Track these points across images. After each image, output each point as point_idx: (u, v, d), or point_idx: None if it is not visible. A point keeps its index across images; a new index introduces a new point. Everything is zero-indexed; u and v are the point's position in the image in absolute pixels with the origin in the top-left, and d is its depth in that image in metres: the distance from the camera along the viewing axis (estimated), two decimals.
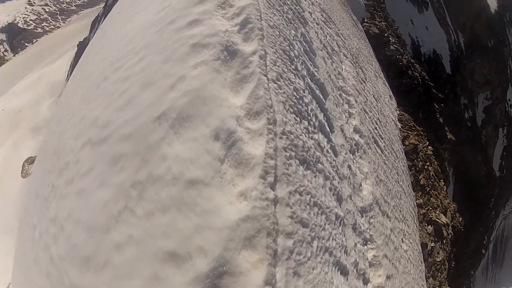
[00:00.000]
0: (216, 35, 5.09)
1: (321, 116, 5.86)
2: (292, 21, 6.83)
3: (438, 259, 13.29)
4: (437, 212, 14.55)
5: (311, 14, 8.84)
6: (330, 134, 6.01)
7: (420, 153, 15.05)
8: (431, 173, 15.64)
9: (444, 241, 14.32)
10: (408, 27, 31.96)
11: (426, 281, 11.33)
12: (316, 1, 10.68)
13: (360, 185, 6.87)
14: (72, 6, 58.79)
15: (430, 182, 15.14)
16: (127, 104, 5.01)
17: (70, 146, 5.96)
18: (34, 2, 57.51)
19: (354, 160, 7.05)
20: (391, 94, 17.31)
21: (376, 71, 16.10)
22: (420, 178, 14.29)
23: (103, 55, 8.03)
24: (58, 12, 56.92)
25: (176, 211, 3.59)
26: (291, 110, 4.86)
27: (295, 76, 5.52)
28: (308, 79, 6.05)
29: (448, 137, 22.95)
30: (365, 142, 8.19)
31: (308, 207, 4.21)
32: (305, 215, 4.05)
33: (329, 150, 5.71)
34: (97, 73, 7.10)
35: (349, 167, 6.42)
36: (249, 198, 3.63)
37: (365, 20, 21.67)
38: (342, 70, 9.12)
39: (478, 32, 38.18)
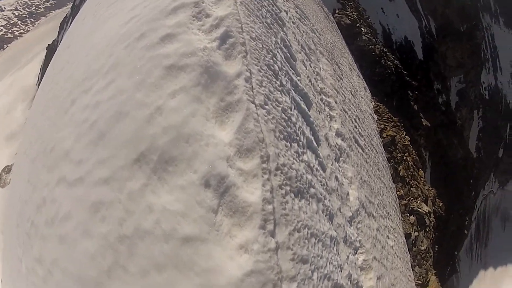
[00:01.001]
0: (194, 55, 4.59)
1: (307, 132, 5.55)
2: (272, 26, 6.36)
3: (422, 248, 13.33)
4: (418, 201, 14.58)
5: (287, 13, 8.34)
6: (317, 148, 5.70)
7: (398, 144, 15.01)
8: (410, 163, 15.64)
9: (427, 229, 14.37)
10: (379, 15, 31.94)
11: (413, 270, 11.36)
12: None
13: (347, 194, 6.69)
14: (40, 8, 57.28)
15: (409, 173, 15.14)
16: (100, 138, 4.56)
17: (45, 178, 5.47)
18: (4, 7, 55.84)
19: (340, 168, 6.82)
20: (365, 85, 17.21)
21: (350, 64, 15.95)
22: (399, 169, 14.26)
23: (68, 71, 7.41)
24: (27, 16, 55.39)
25: (173, 270, 3.33)
26: (281, 136, 4.50)
27: (281, 93, 5.12)
28: (293, 92, 5.66)
29: (424, 123, 23.10)
30: (347, 145, 8.00)
31: (306, 241, 3.99)
32: (305, 252, 3.85)
33: (318, 168, 5.42)
34: (64, 94, 6.53)
35: (336, 178, 6.18)
36: (251, 251, 3.40)
37: (337, 11, 21.51)
38: (320, 70, 8.87)
39: (450, 17, 38.58)
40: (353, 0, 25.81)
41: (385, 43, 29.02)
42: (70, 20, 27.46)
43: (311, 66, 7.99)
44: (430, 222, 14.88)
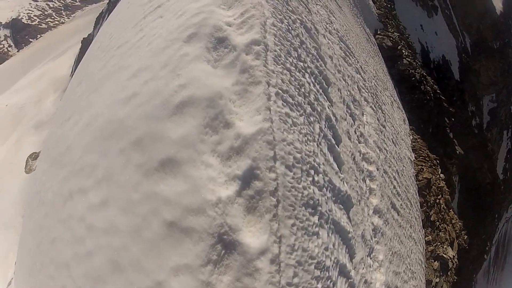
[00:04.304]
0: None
1: (345, 259, 4.53)
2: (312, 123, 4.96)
3: None
4: (445, 246, 13.55)
5: (332, 59, 7.30)
6: (351, 272, 4.63)
7: (433, 186, 13.85)
8: (442, 206, 14.46)
9: (449, 273, 13.38)
10: (417, 32, 30.46)
11: None
12: (334, 29, 9.34)
13: (374, 279, 5.78)
14: (76, 1, 57.46)
15: (440, 216, 14.02)
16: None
17: None
18: None
19: (371, 265, 5.84)
20: (405, 116, 16.02)
21: (392, 95, 14.80)
22: (431, 214, 13.17)
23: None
24: (62, 8, 55.65)
25: None
26: None
27: (313, 237, 3.86)
28: (332, 210, 4.50)
29: (457, 152, 21.68)
30: (384, 221, 6.99)
31: None
32: None
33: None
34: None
35: (365, 281, 5.24)
36: None
37: (378, 32, 20.20)
38: (364, 127, 7.84)
39: (484, 33, 36.88)
40: (394, 18, 24.48)
41: (423, 61, 27.57)
42: (107, 15, 27.03)
43: (355, 133, 6.98)
44: (453, 264, 13.86)
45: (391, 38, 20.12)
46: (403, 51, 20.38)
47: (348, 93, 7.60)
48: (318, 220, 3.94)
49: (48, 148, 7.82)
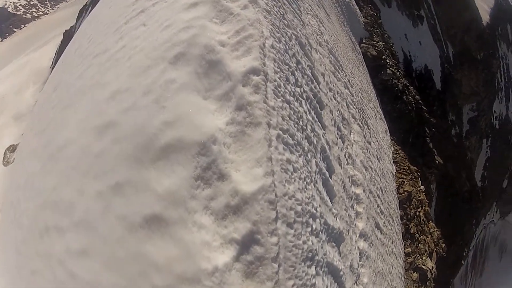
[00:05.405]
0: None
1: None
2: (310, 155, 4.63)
3: None
4: (424, 257, 13.62)
5: (323, 77, 6.90)
6: None
7: (413, 199, 13.87)
8: (422, 218, 14.52)
9: (428, 283, 13.47)
10: (401, 41, 30.59)
11: None
12: (324, 41, 9.10)
13: None
14: None
15: (420, 228, 14.07)
16: None
17: None
18: None
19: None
20: (387, 127, 16.02)
21: (375, 106, 14.75)
22: (410, 226, 13.18)
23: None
24: None
25: None
26: None
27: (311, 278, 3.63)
28: (327, 259, 4.18)
29: (437, 161, 21.83)
30: (369, 244, 6.86)
31: None
32: None
33: None
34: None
35: None
36: None
37: (363, 41, 20.14)
38: (351, 147, 7.71)
39: (468, 44, 37.27)
40: (379, 26, 24.49)
41: (406, 71, 27.70)
42: (90, 8, 26.50)
43: (345, 156, 6.78)
44: (432, 275, 13.96)
45: (376, 48, 20.09)
46: (387, 61, 20.36)
47: (338, 112, 7.40)
48: (315, 269, 3.69)
49: (23, 158, 7.49)
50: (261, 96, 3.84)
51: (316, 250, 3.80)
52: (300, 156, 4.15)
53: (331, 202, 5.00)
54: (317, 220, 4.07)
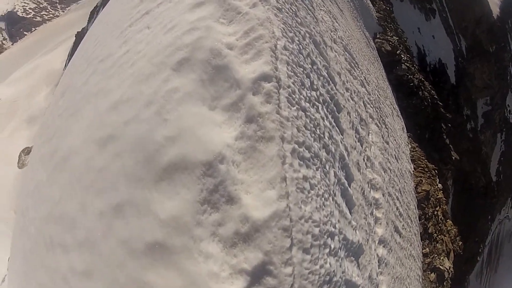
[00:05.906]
0: None
1: None
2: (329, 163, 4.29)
3: None
4: (442, 257, 13.21)
5: (340, 76, 6.53)
6: None
7: (431, 198, 13.43)
8: (440, 217, 14.07)
9: (445, 283, 13.07)
10: (414, 35, 29.98)
11: None
12: (338, 38, 8.65)
13: None
14: None
15: (438, 228, 13.65)
16: None
17: None
18: None
19: None
20: (403, 124, 15.52)
21: (391, 103, 14.27)
22: (428, 226, 12.79)
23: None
24: (57, 1, 54.63)
25: None
26: None
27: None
28: (346, 277, 3.78)
29: (453, 157, 21.25)
30: (388, 250, 6.51)
31: None
32: None
33: None
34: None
35: None
36: None
37: (377, 36, 19.60)
38: (370, 149, 7.29)
39: (480, 37, 36.45)
40: (392, 21, 23.89)
41: (420, 66, 27.10)
42: (101, 9, 26.33)
43: (363, 160, 6.38)
44: (449, 275, 13.55)
45: (390, 43, 19.56)
46: (402, 56, 19.83)
47: (356, 113, 6.98)
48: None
49: (33, 164, 7.22)
50: (274, 106, 3.41)
51: (334, 271, 3.42)
52: (317, 169, 3.74)
53: (350, 213, 4.62)
54: (336, 237, 3.68)
